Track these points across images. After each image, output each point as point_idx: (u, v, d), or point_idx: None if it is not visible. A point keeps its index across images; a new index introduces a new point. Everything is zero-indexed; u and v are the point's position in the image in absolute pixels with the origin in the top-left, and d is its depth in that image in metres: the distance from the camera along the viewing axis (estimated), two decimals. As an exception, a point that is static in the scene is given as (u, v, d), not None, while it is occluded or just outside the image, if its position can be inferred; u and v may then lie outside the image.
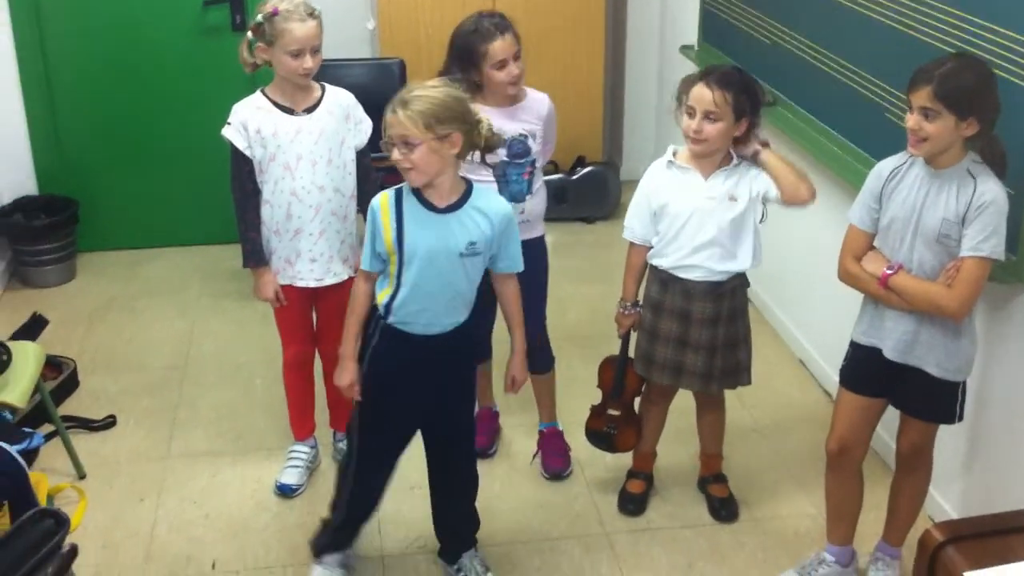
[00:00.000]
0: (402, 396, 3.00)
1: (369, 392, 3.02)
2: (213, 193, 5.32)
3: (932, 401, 2.94)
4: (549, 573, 3.32)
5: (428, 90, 2.76)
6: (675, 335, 3.31)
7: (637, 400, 3.57)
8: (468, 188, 2.89)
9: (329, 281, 3.50)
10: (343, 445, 3.77)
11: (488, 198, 2.92)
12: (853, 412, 3.04)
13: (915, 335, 2.85)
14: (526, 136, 3.44)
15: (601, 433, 3.59)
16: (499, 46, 3.31)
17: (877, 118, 3.59)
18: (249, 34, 3.34)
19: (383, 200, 2.90)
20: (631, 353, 3.47)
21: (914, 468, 3.10)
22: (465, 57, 3.35)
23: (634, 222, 3.35)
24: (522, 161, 3.45)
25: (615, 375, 3.51)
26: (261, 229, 3.45)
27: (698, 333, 3.28)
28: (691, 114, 3.13)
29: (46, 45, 5.16)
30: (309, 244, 3.44)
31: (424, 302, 2.89)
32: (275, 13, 3.22)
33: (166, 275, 5.30)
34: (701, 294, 3.25)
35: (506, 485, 3.73)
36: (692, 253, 3.23)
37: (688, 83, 3.17)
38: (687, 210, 3.21)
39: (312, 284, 3.49)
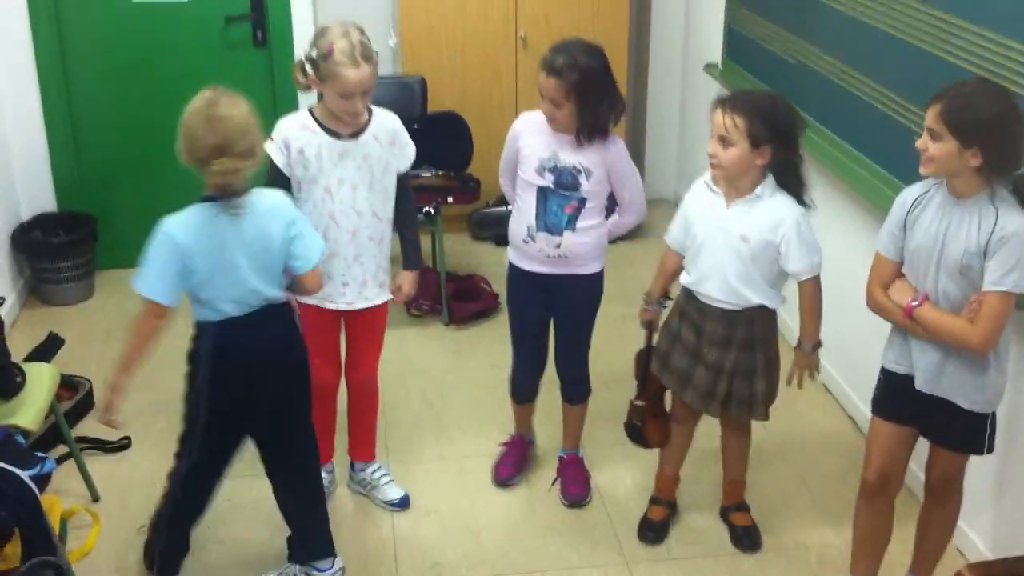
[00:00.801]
0: None
1: None
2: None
3: (961, 432, 2.87)
4: (568, 603, 3.27)
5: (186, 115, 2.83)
6: (691, 345, 3.28)
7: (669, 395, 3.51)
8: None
9: (360, 305, 3.46)
10: (364, 475, 3.73)
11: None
12: (888, 441, 2.97)
13: (941, 366, 2.79)
14: (580, 171, 3.35)
15: (632, 426, 3.54)
16: (540, 79, 3.25)
17: (905, 141, 3.50)
18: (302, 59, 3.26)
19: None
20: None
21: (944, 500, 3.03)
22: None
23: (673, 228, 3.36)
24: (567, 194, 3.36)
25: (639, 366, 3.48)
26: None
27: (709, 351, 3.23)
28: (714, 132, 3.08)
29: (67, 60, 5.14)
30: (342, 268, 3.39)
31: None
32: (330, 52, 3.14)
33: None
34: (714, 316, 3.21)
35: (526, 511, 3.68)
36: (703, 279, 3.20)
37: (713, 104, 3.10)
38: (703, 234, 3.19)
39: (343, 307, 3.45)
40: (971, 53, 3.16)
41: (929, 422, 2.90)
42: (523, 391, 3.76)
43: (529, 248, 3.44)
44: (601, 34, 5.63)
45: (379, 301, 3.49)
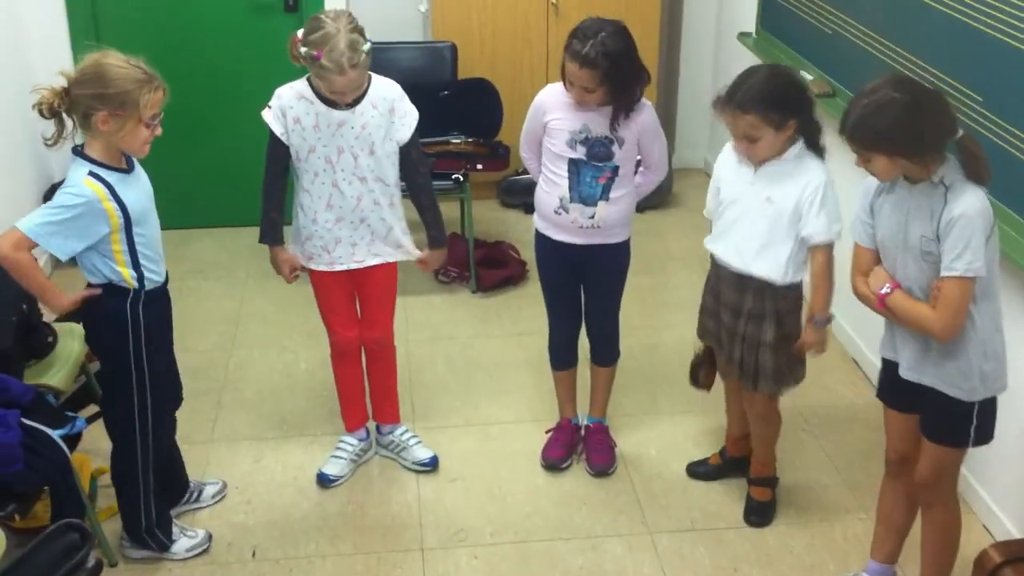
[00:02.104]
0: None
1: None
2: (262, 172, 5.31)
3: (945, 421, 2.78)
4: (592, 572, 3.27)
5: None
6: (712, 309, 3.35)
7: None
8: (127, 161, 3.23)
9: (371, 262, 3.48)
10: (391, 437, 3.74)
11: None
12: (899, 425, 2.94)
13: (924, 354, 2.75)
14: (611, 140, 3.34)
15: (692, 365, 3.59)
16: (571, 69, 3.22)
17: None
18: (296, 40, 3.22)
19: None
20: None
21: (929, 504, 2.92)
22: None
23: (708, 197, 3.37)
24: (600, 164, 3.35)
25: None
26: (299, 214, 3.44)
27: (724, 314, 3.29)
28: (735, 135, 3.10)
29: (99, 22, 5.16)
30: (349, 231, 3.42)
31: None
32: (318, 57, 3.13)
33: (214, 255, 5.30)
34: (727, 280, 3.26)
35: (550, 480, 3.68)
36: (718, 238, 3.26)
37: (718, 109, 3.10)
38: (731, 195, 3.22)
39: (353, 266, 3.46)
40: (1010, 25, 3.10)
41: (923, 410, 2.84)
42: (562, 355, 3.73)
43: (561, 219, 3.43)
44: (633, 2, 5.59)
45: (391, 259, 3.51)
